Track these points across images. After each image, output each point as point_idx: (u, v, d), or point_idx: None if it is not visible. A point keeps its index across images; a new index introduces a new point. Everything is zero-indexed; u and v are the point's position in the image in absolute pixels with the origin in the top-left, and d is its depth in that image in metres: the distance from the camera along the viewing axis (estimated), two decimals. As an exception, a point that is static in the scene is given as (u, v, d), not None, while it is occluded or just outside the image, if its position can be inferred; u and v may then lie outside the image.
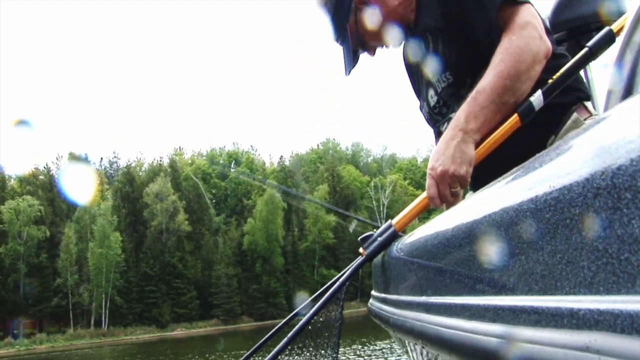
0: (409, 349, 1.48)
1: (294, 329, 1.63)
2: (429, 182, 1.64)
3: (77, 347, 55.90)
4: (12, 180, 71.75)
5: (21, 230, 61.56)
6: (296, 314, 1.93)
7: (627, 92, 1.65)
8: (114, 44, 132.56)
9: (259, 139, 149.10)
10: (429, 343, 1.04)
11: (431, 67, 1.94)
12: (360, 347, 21.76)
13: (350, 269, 1.72)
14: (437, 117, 2.01)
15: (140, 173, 78.19)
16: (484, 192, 0.88)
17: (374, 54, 2.12)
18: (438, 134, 2.07)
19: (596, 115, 1.82)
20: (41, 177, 71.42)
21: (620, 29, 1.74)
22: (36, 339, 59.05)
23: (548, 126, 1.78)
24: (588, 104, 1.82)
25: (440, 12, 1.86)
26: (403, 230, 1.71)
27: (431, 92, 2.00)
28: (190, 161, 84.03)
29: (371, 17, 2.00)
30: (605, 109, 1.83)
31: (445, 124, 1.95)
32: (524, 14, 1.67)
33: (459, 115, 1.65)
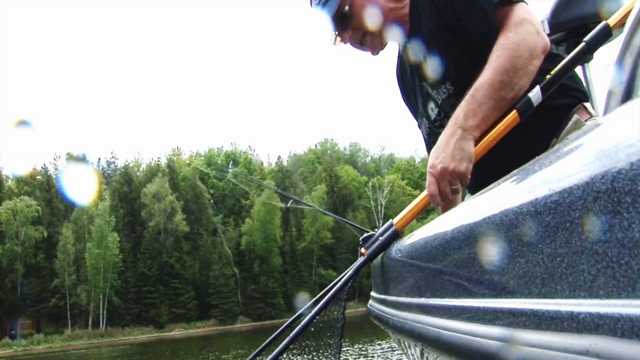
0: (408, 350, 1.48)
1: (296, 329, 1.63)
2: (429, 180, 1.64)
3: (74, 348, 55.81)
4: (10, 181, 71.66)
5: (19, 231, 61.47)
6: (300, 315, 1.93)
7: (628, 93, 1.65)
8: (112, 43, 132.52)
9: (257, 139, 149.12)
10: (428, 345, 1.03)
11: (429, 79, 1.93)
12: (361, 346, 21.77)
13: (351, 270, 1.72)
14: (438, 130, 1.96)
15: (138, 173, 78.13)
16: (484, 194, 0.87)
17: (375, 52, 2.09)
18: None
19: (596, 116, 1.82)
20: (39, 177, 71.35)
21: (617, 24, 1.73)
22: (34, 340, 58.97)
23: (549, 128, 1.77)
24: (588, 105, 1.81)
25: (436, 21, 1.85)
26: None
27: (431, 105, 1.99)
28: (188, 161, 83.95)
29: (366, 11, 1.98)
30: (606, 110, 1.82)
31: None
32: (520, 11, 1.67)
33: (458, 113, 1.64)
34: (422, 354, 1.22)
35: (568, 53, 1.70)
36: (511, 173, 0.79)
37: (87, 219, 64.07)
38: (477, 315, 0.76)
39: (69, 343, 58.89)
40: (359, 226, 4.95)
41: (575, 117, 1.75)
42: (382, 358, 18.69)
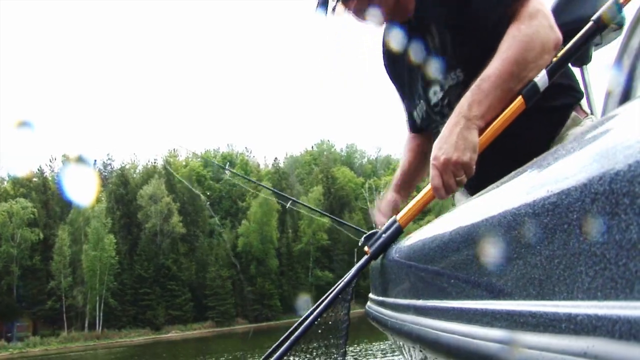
0: (407, 352, 1.48)
1: (298, 331, 1.60)
2: (432, 172, 1.58)
3: (71, 350, 55.68)
4: (6, 183, 71.52)
5: (14, 233, 61.36)
6: (307, 317, 1.92)
7: (626, 94, 1.65)
8: (109, 46, 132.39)
9: (253, 140, 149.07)
10: (427, 347, 1.03)
11: (438, 64, 1.85)
12: (359, 348, 21.76)
13: (355, 269, 1.68)
14: (436, 117, 1.94)
15: (135, 175, 78.05)
16: (482, 196, 0.87)
17: (377, 25, 2.00)
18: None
19: (591, 116, 1.82)
20: (35, 179, 71.23)
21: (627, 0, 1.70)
22: (30, 342, 58.81)
23: (549, 126, 1.76)
24: (583, 102, 1.80)
25: (447, 3, 1.79)
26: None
27: (434, 89, 1.91)
28: (184, 163, 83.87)
29: None
30: (604, 111, 1.82)
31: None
32: (534, 2, 1.62)
33: (462, 103, 1.59)
34: (421, 356, 1.21)
35: None
36: (509, 175, 0.79)
37: (84, 220, 63.93)
38: (475, 316, 0.76)
39: (65, 345, 58.76)
40: (356, 227, 4.93)
41: (573, 114, 1.75)
42: (380, 360, 18.68)
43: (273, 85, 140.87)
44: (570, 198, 0.53)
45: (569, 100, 1.77)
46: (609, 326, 0.46)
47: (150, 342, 57.41)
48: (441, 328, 0.91)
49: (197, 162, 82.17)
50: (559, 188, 0.55)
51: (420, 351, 1.16)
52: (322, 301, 1.66)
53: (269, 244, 70.69)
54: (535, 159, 0.71)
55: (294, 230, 76.31)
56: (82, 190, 60.04)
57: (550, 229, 0.57)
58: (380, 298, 1.65)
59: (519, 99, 1.54)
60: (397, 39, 2.06)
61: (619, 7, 1.59)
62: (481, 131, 1.57)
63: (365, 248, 1.66)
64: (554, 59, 1.55)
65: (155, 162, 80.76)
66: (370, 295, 1.86)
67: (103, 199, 70.75)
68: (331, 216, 5.83)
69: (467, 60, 1.76)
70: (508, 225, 0.67)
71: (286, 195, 5.73)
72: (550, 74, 1.54)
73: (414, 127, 2.24)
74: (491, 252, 0.72)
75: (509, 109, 1.55)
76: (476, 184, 1.58)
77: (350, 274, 1.68)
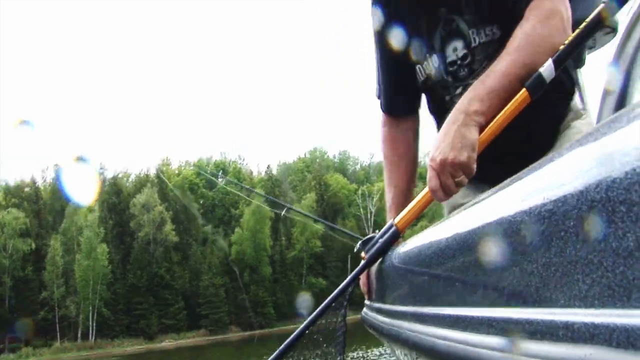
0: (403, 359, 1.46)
1: (291, 336, 1.54)
2: (429, 173, 1.50)
3: (64, 361, 55.35)
4: (-3, 193, 71.21)
5: (6, 243, 61.00)
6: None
7: (622, 98, 1.65)
8: (98, 54, 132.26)
9: (246, 148, 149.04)
10: (424, 355, 1.02)
11: (471, 16, 1.70)
12: (359, 354, 21.73)
13: (352, 275, 1.63)
14: (447, 77, 1.82)
15: (127, 184, 77.85)
16: (479, 202, 0.86)
17: None
18: (440, 109, 1.86)
19: (584, 113, 1.83)
20: (26, 189, 70.93)
21: None
22: (22, 353, 58.41)
23: (553, 119, 1.73)
24: (575, 96, 1.80)
25: None
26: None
27: (456, 44, 1.78)
28: (177, 171, 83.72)
29: None
30: (599, 116, 1.81)
31: (457, 92, 1.78)
32: (556, 1, 1.55)
33: (463, 99, 1.52)
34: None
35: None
36: (507, 180, 0.77)
37: (76, 230, 63.68)
38: (472, 324, 0.76)
39: (58, 356, 58.39)
40: (352, 233, 4.91)
41: (574, 104, 1.72)
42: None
43: (265, 93, 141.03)
44: (567, 205, 0.52)
45: (570, 88, 1.73)
46: (607, 334, 0.46)
47: (144, 352, 57.17)
48: (438, 335, 0.90)
49: (190, 171, 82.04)
50: (555, 195, 0.55)
51: (417, 359, 1.14)
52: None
53: (262, 251, 70.58)
54: (531, 166, 0.70)
55: (287, 238, 76.22)
56: (80, 193, 59.81)
57: (546, 236, 0.57)
58: (377, 304, 1.62)
59: (523, 92, 1.45)
60: None
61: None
62: (482, 128, 1.49)
63: (362, 253, 1.62)
64: (561, 48, 1.44)
65: (148, 171, 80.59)
66: (367, 301, 1.84)
67: (96, 208, 70.50)
68: (327, 222, 5.84)
69: (506, 17, 1.62)
70: (506, 231, 0.66)
71: (281, 202, 5.72)
72: (557, 64, 1.43)
73: (398, 100, 2.06)
74: (489, 258, 0.71)
75: (512, 102, 1.47)
76: (478, 180, 1.55)
77: (346, 281, 1.64)
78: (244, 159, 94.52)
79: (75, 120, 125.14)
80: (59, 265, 61.90)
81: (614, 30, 2.06)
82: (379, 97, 2.12)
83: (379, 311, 1.56)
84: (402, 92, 2.04)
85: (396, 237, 1.56)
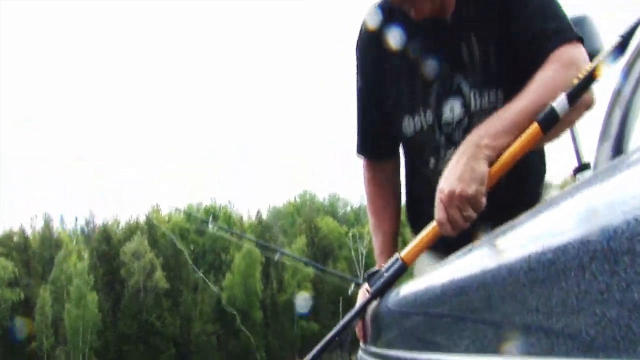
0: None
1: None
2: (437, 206, 1.48)
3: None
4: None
5: (-5, 294, 60.44)
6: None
7: (619, 143, 1.61)
8: (90, 98, 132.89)
9: (236, 193, 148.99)
10: None
11: (475, 78, 1.67)
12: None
13: (356, 308, 1.57)
14: (440, 137, 1.78)
15: (117, 231, 77.62)
16: (478, 248, 0.83)
17: (419, 16, 1.69)
18: (420, 175, 1.86)
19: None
20: (15, 238, 70.56)
21: None
22: (11, 406, 57.29)
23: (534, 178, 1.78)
24: None
25: (497, 12, 1.66)
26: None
27: (453, 104, 1.73)
28: (167, 218, 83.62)
29: None
30: (596, 162, 1.76)
31: (447, 156, 1.72)
32: (577, 50, 1.56)
33: (475, 131, 1.50)
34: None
35: None
36: (505, 226, 0.75)
37: (66, 279, 63.21)
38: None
39: (47, 408, 57.27)
40: (344, 275, 4.99)
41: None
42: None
43: (254, 139, 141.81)
44: (568, 255, 0.51)
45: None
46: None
47: (135, 401, 56.18)
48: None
49: (180, 217, 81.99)
50: (555, 243, 0.53)
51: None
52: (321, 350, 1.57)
53: (253, 295, 70.18)
54: (530, 211, 0.69)
55: (279, 281, 75.90)
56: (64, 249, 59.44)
57: (547, 285, 0.55)
58: (374, 349, 1.56)
59: (534, 126, 1.41)
60: (413, 32, 1.77)
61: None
62: (492, 163, 1.46)
63: (366, 286, 1.59)
64: (575, 81, 1.38)
65: (137, 218, 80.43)
66: (362, 345, 1.76)
67: (85, 256, 70.11)
68: (319, 265, 5.99)
69: (513, 81, 1.60)
70: (504, 280, 0.64)
71: (274, 246, 5.94)
72: (571, 98, 1.37)
73: (378, 143, 2.00)
74: (487, 305, 0.69)
75: (523, 137, 1.43)
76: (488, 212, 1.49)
77: (349, 316, 1.58)
78: (234, 205, 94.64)
79: (65, 169, 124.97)
80: (48, 315, 61.22)
81: None
82: (358, 143, 2.06)
83: (376, 356, 1.52)
84: (384, 136, 1.97)
85: (402, 270, 1.53)
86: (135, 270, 67.69)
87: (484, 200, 1.44)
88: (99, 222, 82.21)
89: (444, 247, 1.51)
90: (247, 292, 69.79)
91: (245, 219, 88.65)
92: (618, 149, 1.58)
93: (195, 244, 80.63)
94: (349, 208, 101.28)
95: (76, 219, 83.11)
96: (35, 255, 69.12)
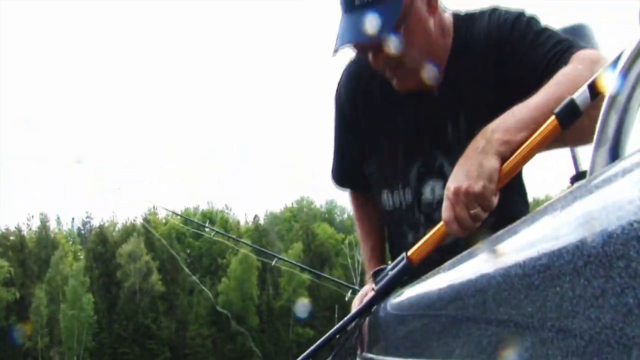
0: None
1: None
2: (444, 204, 1.38)
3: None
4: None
5: (-10, 293, 60.42)
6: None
7: (615, 149, 1.50)
8: (89, 99, 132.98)
9: (233, 198, 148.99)
10: None
11: (457, 158, 1.46)
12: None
13: (361, 305, 1.50)
14: (419, 216, 1.73)
15: (114, 233, 77.62)
16: (476, 252, 0.81)
17: (403, 87, 1.65)
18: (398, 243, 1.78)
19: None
20: (12, 237, 70.56)
21: None
22: (4, 406, 57.19)
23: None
24: None
25: (494, 73, 1.59)
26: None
27: (434, 185, 1.69)
28: (164, 220, 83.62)
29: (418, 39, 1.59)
30: (592, 167, 1.79)
31: (420, 234, 1.62)
32: (596, 53, 1.50)
33: (488, 126, 1.39)
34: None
35: None
36: (501, 232, 0.73)
37: (62, 279, 63.20)
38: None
39: (40, 408, 57.19)
40: (340, 281, 4.98)
41: None
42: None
43: (253, 143, 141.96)
44: (562, 260, 0.51)
45: None
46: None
47: (128, 404, 56.12)
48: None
49: (177, 220, 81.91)
50: (550, 248, 0.53)
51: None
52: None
53: (249, 300, 70.22)
54: (524, 217, 0.67)
55: (275, 287, 75.94)
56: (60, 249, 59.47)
57: (541, 291, 0.54)
58: (371, 356, 1.51)
59: (552, 120, 1.27)
60: (397, 101, 1.71)
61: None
62: (506, 159, 1.35)
63: (372, 285, 1.51)
64: (597, 72, 1.22)
65: (134, 220, 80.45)
66: (359, 352, 1.67)
67: (81, 257, 70.13)
68: (316, 271, 6.07)
69: None
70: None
71: (271, 252, 6.02)
72: (593, 91, 1.20)
73: (356, 182, 1.98)
74: (484, 312, 0.68)
75: (539, 131, 1.31)
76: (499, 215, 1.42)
77: (351, 314, 1.49)
78: (231, 209, 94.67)
79: (63, 169, 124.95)
80: (43, 315, 61.18)
81: None
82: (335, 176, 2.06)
83: None
84: (362, 177, 1.93)
85: (408, 269, 1.42)
86: (132, 272, 67.70)
87: (492, 198, 1.34)
88: (95, 223, 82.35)
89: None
90: (243, 297, 69.85)
91: (242, 223, 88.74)
92: (614, 154, 1.57)
93: (192, 247, 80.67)
94: (345, 215, 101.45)
95: (73, 219, 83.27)
96: (31, 255, 69.13)
